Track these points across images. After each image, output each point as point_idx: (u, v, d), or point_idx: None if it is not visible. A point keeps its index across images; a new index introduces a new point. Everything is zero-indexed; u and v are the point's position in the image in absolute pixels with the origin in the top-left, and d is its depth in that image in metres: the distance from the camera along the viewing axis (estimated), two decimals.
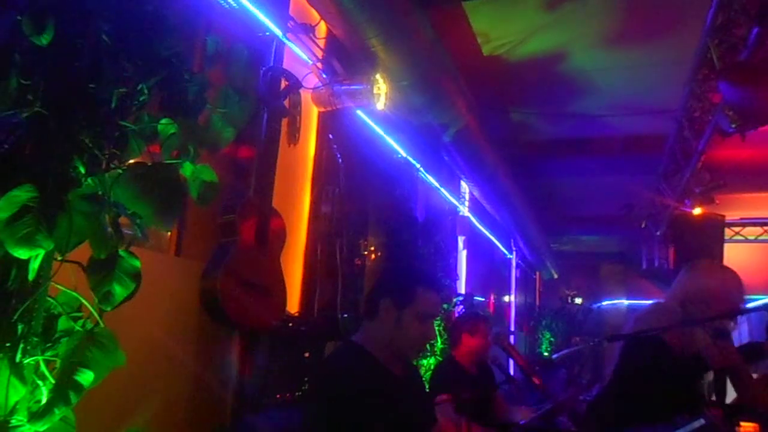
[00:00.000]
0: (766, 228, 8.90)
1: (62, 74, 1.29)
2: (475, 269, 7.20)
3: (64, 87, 1.29)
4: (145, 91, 1.44)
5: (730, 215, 7.56)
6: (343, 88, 3.54)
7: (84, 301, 1.32)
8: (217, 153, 1.96)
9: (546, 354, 10.39)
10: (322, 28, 3.47)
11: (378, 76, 3.55)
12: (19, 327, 1.21)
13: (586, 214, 10.36)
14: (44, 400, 1.21)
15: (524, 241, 9.39)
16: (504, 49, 5.01)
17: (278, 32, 3.06)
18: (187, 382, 2.54)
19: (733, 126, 3.97)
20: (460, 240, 6.76)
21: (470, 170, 5.77)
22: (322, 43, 3.54)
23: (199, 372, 2.59)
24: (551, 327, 11.41)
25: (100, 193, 1.31)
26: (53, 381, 1.23)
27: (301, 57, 3.41)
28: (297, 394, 3.03)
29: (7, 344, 1.19)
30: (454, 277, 5.92)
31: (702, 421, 1.74)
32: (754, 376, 2.57)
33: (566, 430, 3.64)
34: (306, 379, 3.12)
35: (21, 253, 1.14)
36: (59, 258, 1.26)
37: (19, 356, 1.20)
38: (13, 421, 1.16)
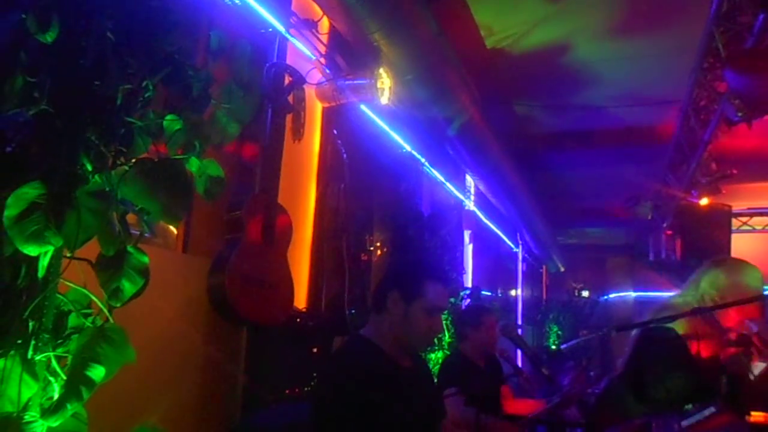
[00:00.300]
0: None
1: (67, 72, 1.30)
2: (482, 263, 7.20)
3: (69, 85, 1.29)
4: (150, 88, 1.44)
5: (737, 205, 7.53)
6: (346, 83, 3.53)
7: (94, 298, 1.33)
8: (223, 150, 1.97)
9: (554, 347, 10.38)
10: (324, 24, 3.46)
11: (381, 71, 3.55)
12: (30, 324, 1.22)
13: (592, 206, 10.34)
14: (56, 396, 1.22)
15: (530, 235, 9.37)
16: (507, 42, 4.99)
17: (281, 28, 3.05)
18: (197, 378, 2.55)
19: (740, 115, 3.95)
20: (466, 234, 6.75)
21: (475, 164, 5.76)
22: (325, 38, 3.54)
23: (208, 368, 2.60)
24: (558, 320, 11.39)
25: (107, 189, 1.32)
26: (65, 377, 1.24)
27: (304, 53, 3.41)
28: (305, 389, 3.04)
29: (19, 341, 1.20)
30: (461, 271, 5.92)
31: (712, 410, 1.74)
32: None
33: (575, 422, 3.64)
34: (314, 374, 3.13)
35: (30, 250, 1.15)
36: (68, 255, 1.27)
37: (30, 353, 1.21)
38: (27, 417, 1.17)
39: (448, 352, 4.59)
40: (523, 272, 10.56)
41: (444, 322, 4.76)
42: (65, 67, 1.28)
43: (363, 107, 4.06)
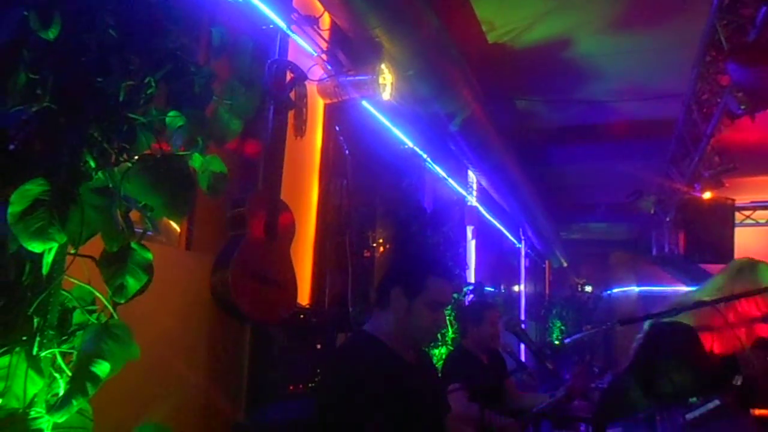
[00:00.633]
0: None
1: (70, 69, 1.30)
2: (485, 259, 7.20)
3: (72, 81, 1.29)
4: (153, 84, 1.44)
5: (740, 199, 7.51)
6: (348, 79, 3.53)
7: (98, 294, 1.33)
8: (225, 147, 1.96)
9: (557, 342, 10.38)
10: (326, 20, 3.46)
11: (383, 67, 3.54)
12: (35, 320, 1.22)
13: (595, 201, 10.32)
14: (61, 392, 1.22)
15: (533, 230, 9.37)
16: (509, 37, 4.98)
17: (282, 24, 3.05)
18: (201, 374, 2.56)
19: (743, 107, 3.94)
20: (469, 230, 6.75)
21: (477, 159, 5.75)
22: (326, 34, 3.53)
23: (212, 365, 2.61)
24: (561, 315, 11.40)
25: (110, 186, 1.32)
26: (70, 373, 1.24)
27: (305, 49, 3.41)
28: (309, 385, 3.05)
29: (24, 337, 1.20)
30: (464, 267, 5.92)
31: (717, 402, 1.73)
32: None
33: (579, 417, 3.64)
34: (318, 370, 3.13)
35: (35, 247, 1.15)
36: (72, 251, 1.27)
37: (35, 349, 1.22)
38: (32, 413, 1.17)
39: (451, 348, 4.59)
40: (525, 268, 10.56)
41: (447, 318, 4.78)
42: (68, 63, 1.28)
43: (365, 103, 4.06)
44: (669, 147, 6.36)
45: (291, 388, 2.98)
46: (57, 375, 1.25)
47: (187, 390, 2.47)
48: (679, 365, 2.18)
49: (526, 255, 10.62)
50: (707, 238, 6.54)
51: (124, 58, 1.37)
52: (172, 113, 1.47)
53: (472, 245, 6.81)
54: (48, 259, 1.22)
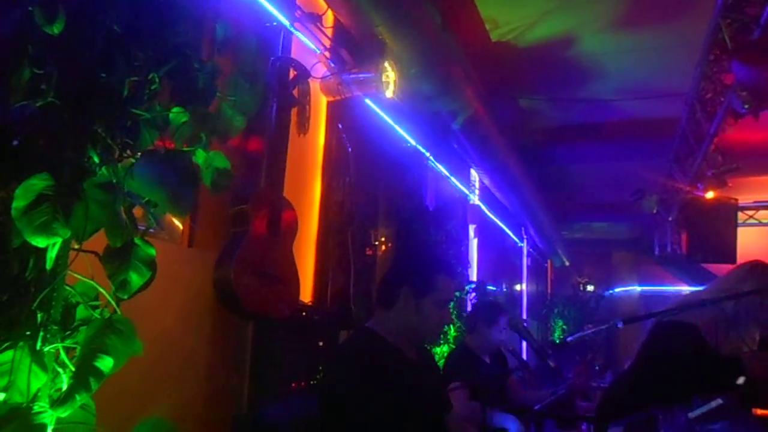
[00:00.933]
0: None
1: (74, 64, 1.30)
2: (487, 257, 7.19)
3: (76, 77, 1.30)
4: (157, 80, 1.44)
5: (743, 199, 7.50)
6: (351, 76, 3.53)
7: (101, 290, 1.33)
8: (228, 144, 1.96)
9: (558, 342, 10.37)
10: (329, 17, 3.46)
11: (386, 64, 3.54)
12: (39, 315, 1.22)
13: (597, 200, 10.30)
14: (65, 387, 1.23)
15: (535, 229, 9.35)
16: (512, 35, 4.97)
17: (286, 22, 3.05)
18: (203, 371, 2.56)
19: (746, 107, 3.93)
20: (471, 228, 6.74)
21: (480, 158, 5.75)
22: (329, 32, 3.53)
23: (214, 361, 2.62)
24: (563, 315, 11.38)
25: (114, 182, 1.32)
26: (73, 369, 1.24)
27: (308, 46, 3.41)
28: (311, 382, 3.05)
29: (27, 332, 1.21)
30: (466, 265, 5.92)
31: (719, 401, 1.73)
32: None
33: (581, 416, 3.64)
34: (320, 367, 3.13)
35: (38, 242, 1.15)
36: (76, 247, 1.27)
37: (39, 344, 1.22)
38: (36, 408, 1.18)
39: (453, 346, 4.59)
40: (527, 267, 10.55)
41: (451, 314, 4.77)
42: (72, 59, 1.28)
43: (367, 101, 4.06)
44: (672, 146, 6.34)
45: (293, 385, 2.98)
46: (60, 370, 1.26)
47: (189, 386, 2.47)
48: (682, 364, 2.17)
49: (528, 254, 10.61)
50: (710, 238, 6.53)
51: (129, 53, 1.37)
52: (175, 109, 1.47)
53: (474, 244, 6.80)
54: (52, 254, 1.22)
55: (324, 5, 3.34)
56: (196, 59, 1.56)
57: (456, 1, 4.41)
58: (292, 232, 2.84)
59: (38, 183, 1.16)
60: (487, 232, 7.43)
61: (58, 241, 1.20)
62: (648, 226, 9.40)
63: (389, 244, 4.39)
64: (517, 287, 10.16)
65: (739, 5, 3.75)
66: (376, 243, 4.19)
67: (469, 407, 2.73)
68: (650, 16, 4.66)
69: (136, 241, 1.34)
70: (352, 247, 3.62)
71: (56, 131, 1.26)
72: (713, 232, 6.50)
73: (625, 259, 13.41)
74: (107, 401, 1.38)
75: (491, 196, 7.30)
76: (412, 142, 4.84)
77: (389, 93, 3.59)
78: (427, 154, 5.16)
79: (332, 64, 3.58)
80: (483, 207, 7.18)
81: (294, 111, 3.02)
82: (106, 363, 1.21)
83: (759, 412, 2.26)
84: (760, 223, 8.79)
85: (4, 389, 1.17)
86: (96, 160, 1.31)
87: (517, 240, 9.92)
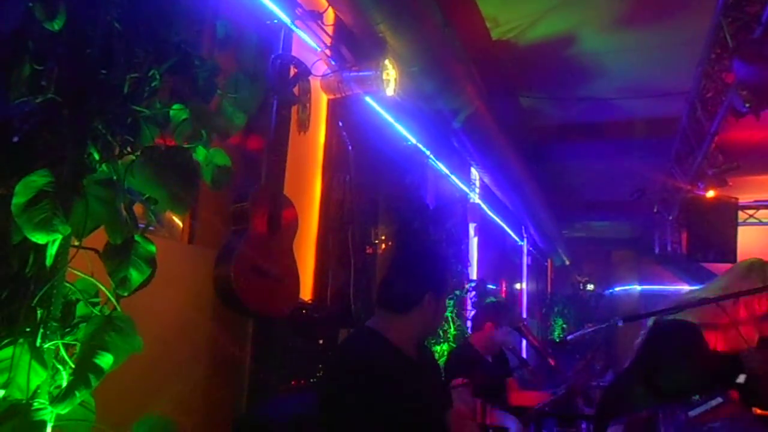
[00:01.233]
0: None
1: (74, 60, 1.29)
2: (487, 256, 7.19)
3: (76, 73, 1.29)
4: (157, 77, 1.44)
5: (744, 198, 7.49)
6: (351, 74, 3.52)
7: (101, 287, 1.33)
8: (228, 142, 1.96)
9: (557, 340, 10.37)
10: (330, 15, 3.45)
11: (387, 62, 3.53)
12: (39, 312, 1.22)
13: (598, 199, 10.30)
14: (65, 384, 1.23)
15: (535, 228, 9.35)
16: (513, 33, 4.97)
17: (286, 20, 3.04)
18: (203, 368, 2.56)
19: (747, 105, 3.92)
20: (471, 227, 6.74)
21: (480, 156, 5.74)
22: (330, 29, 3.52)
23: (214, 359, 2.61)
24: (563, 313, 11.39)
25: (114, 178, 1.32)
26: (73, 365, 1.24)
27: (309, 44, 3.40)
28: (311, 380, 3.05)
29: (27, 329, 1.21)
30: (466, 264, 5.92)
31: (719, 400, 1.73)
32: None
33: (581, 414, 3.65)
34: (320, 365, 3.14)
35: (39, 238, 1.15)
36: (76, 243, 1.27)
37: (39, 341, 1.22)
38: (35, 404, 1.18)
39: (453, 344, 4.60)
40: (527, 265, 10.55)
41: (449, 314, 4.78)
42: (72, 55, 1.28)
43: (368, 99, 4.05)
44: (673, 145, 6.34)
45: (293, 382, 2.98)
46: (60, 367, 1.26)
47: (189, 384, 2.47)
48: (682, 363, 2.17)
49: (528, 253, 10.61)
50: (710, 237, 6.53)
51: (129, 50, 1.37)
52: (176, 106, 1.47)
53: (474, 242, 6.80)
54: (52, 251, 1.22)
55: (325, 3, 3.33)
56: (197, 56, 1.56)
57: None
58: (292, 230, 2.84)
59: (38, 179, 1.16)
60: (487, 230, 7.42)
61: (58, 237, 1.20)
62: (648, 225, 9.40)
63: (389, 243, 4.38)
64: (517, 286, 10.16)
65: (740, 4, 3.75)
66: (376, 241, 4.19)
67: (470, 404, 2.74)
68: (651, 14, 4.66)
69: (136, 238, 1.34)
70: (353, 246, 3.62)
71: (56, 128, 1.26)
72: (713, 231, 6.50)
73: (625, 258, 13.40)
74: (107, 399, 1.38)
75: (492, 194, 7.30)
76: (413, 140, 4.84)
77: (390, 91, 3.59)
78: (428, 153, 5.16)
79: (333, 62, 3.57)
80: (483, 205, 7.17)
81: (294, 109, 3.01)
82: (105, 360, 1.21)
83: (759, 411, 2.26)
84: (761, 223, 8.78)
85: (4, 386, 1.17)
86: (96, 156, 1.31)
87: (517, 239, 9.92)
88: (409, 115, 4.60)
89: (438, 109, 4.49)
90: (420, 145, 4.96)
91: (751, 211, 8.62)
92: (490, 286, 6.92)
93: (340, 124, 3.72)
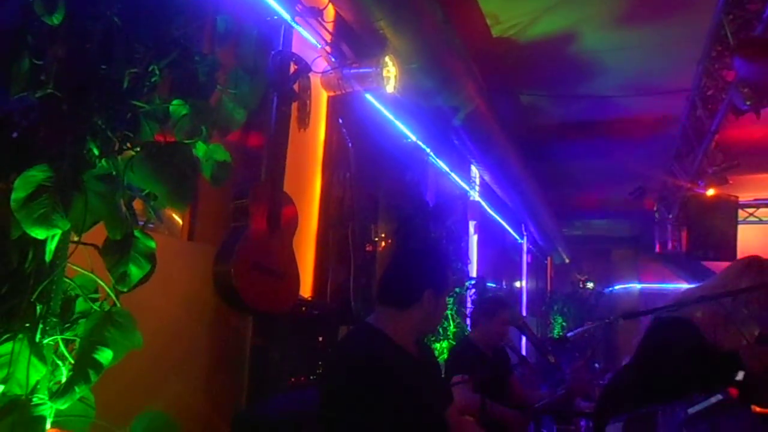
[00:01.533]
0: None
1: (74, 55, 1.29)
2: (486, 254, 7.19)
3: (76, 68, 1.29)
4: (157, 72, 1.43)
5: (744, 196, 7.49)
6: (352, 71, 3.51)
7: (101, 282, 1.33)
8: (228, 139, 1.96)
9: (557, 337, 10.37)
10: (330, 12, 3.44)
11: (387, 59, 3.53)
12: (38, 307, 1.22)
13: (598, 197, 10.30)
14: (64, 380, 1.22)
15: (535, 226, 9.35)
16: (514, 31, 4.96)
17: (286, 16, 3.04)
18: (203, 365, 2.56)
19: (748, 103, 3.92)
20: (471, 225, 6.74)
21: (480, 154, 5.74)
22: (330, 26, 3.52)
23: (214, 355, 2.61)
24: (563, 311, 11.38)
25: (114, 174, 1.32)
26: (73, 361, 1.24)
27: (309, 41, 3.39)
28: (311, 377, 3.05)
29: (27, 324, 1.20)
30: (466, 262, 5.91)
31: (719, 397, 1.73)
32: None
33: (580, 412, 3.65)
34: (320, 362, 3.13)
35: (38, 233, 1.15)
36: (75, 239, 1.27)
37: (38, 336, 1.22)
38: (35, 400, 1.17)
39: (453, 342, 4.60)
40: (527, 263, 10.55)
41: (449, 312, 4.78)
42: (72, 50, 1.28)
43: (368, 96, 4.05)
44: (673, 143, 6.34)
45: (293, 379, 2.98)
46: (59, 362, 1.25)
47: (188, 380, 2.47)
48: (681, 360, 2.17)
49: (528, 251, 10.61)
50: (710, 236, 6.53)
51: (129, 45, 1.37)
52: (176, 102, 1.47)
53: (474, 240, 6.80)
54: (51, 246, 1.22)
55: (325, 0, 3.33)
56: (197, 52, 1.56)
57: None
58: (292, 227, 2.83)
59: (38, 174, 1.16)
60: (487, 228, 7.42)
61: (58, 232, 1.20)
62: (648, 223, 9.40)
63: (389, 240, 4.38)
64: (517, 284, 10.16)
65: (741, 1, 3.75)
66: (376, 239, 4.19)
67: (470, 400, 2.74)
68: (652, 12, 4.65)
69: (136, 233, 1.34)
70: (352, 243, 3.61)
71: (56, 123, 1.26)
72: (713, 230, 6.50)
73: (625, 256, 13.41)
74: (107, 395, 1.38)
75: (491, 192, 7.30)
76: (413, 137, 4.83)
77: (390, 88, 3.58)
78: (428, 150, 5.15)
79: (333, 59, 3.57)
80: (483, 203, 7.17)
81: (294, 106, 3.00)
82: (105, 355, 1.21)
83: (757, 409, 2.26)
84: (761, 221, 8.79)
85: (3, 381, 1.17)
86: (96, 152, 1.31)
87: (517, 237, 9.92)
88: (409, 113, 4.60)
89: (438, 107, 4.49)
90: (420, 143, 4.96)
91: (751, 210, 8.63)
92: (490, 284, 6.92)
93: (340, 121, 3.72)
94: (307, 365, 3.07)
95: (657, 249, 8.84)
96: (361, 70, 3.51)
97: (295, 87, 2.97)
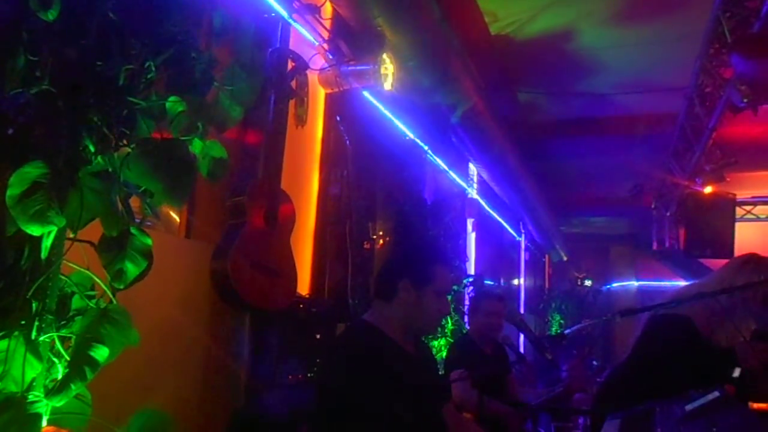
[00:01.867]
0: None
1: (69, 51, 1.28)
2: (484, 252, 7.19)
3: (71, 64, 1.28)
4: (153, 69, 1.43)
5: (742, 194, 7.49)
6: (349, 68, 3.51)
7: (97, 279, 1.32)
8: (225, 136, 1.95)
9: (555, 334, 10.38)
10: (327, 9, 3.44)
11: (385, 56, 3.52)
12: (34, 304, 1.22)
13: (596, 194, 10.30)
14: (60, 377, 1.22)
15: (533, 224, 9.36)
16: (512, 28, 4.96)
17: (284, 13, 3.03)
18: (200, 363, 2.56)
19: (745, 100, 3.92)
20: (469, 222, 6.74)
21: (478, 152, 5.74)
22: (328, 23, 3.51)
23: (211, 353, 2.61)
24: (561, 309, 11.39)
25: (110, 171, 1.31)
26: (68, 358, 1.24)
27: (307, 38, 3.39)
28: (308, 374, 3.05)
29: (22, 321, 1.20)
30: (464, 259, 5.91)
31: (717, 394, 1.73)
32: None
33: (578, 409, 3.65)
34: (317, 360, 3.13)
35: (33, 230, 1.14)
36: (71, 236, 1.27)
37: (34, 333, 1.21)
38: (30, 397, 1.17)
39: (450, 340, 4.60)
40: (525, 261, 10.56)
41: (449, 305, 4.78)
42: (67, 46, 1.27)
43: (366, 94, 4.04)
44: (671, 141, 6.34)
45: (290, 377, 2.98)
46: (55, 359, 1.25)
47: (186, 377, 2.47)
48: (678, 357, 2.18)
49: (526, 248, 10.61)
50: (708, 233, 6.54)
51: (124, 41, 1.36)
52: (172, 98, 1.46)
53: (472, 238, 6.80)
54: (47, 243, 1.21)
55: None
56: (193, 48, 1.55)
57: None
58: (290, 225, 2.83)
59: (33, 171, 1.15)
60: (485, 226, 7.42)
61: (53, 229, 1.20)
62: (646, 221, 9.40)
63: (387, 238, 4.38)
64: (515, 282, 10.17)
65: None
66: (374, 236, 4.18)
67: (468, 396, 2.74)
68: (649, 9, 4.65)
69: (132, 230, 1.33)
70: (350, 240, 3.61)
71: (51, 119, 1.25)
72: (711, 227, 6.51)
73: (623, 254, 13.42)
74: (104, 392, 1.38)
75: (489, 190, 7.30)
76: (411, 135, 4.83)
77: (388, 85, 3.58)
78: (426, 148, 5.15)
79: (330, 56, 3.56)
80: (481, 201, 7.17)
81: (292, 103, 3.00)
82: (101, 353, 1.21)
83: (756, 406, 2.26)
84: (758, 219, 8.80)
85: None
86: (92, 148, 1.30)
87: (515, 234, 9.93)
88: (406, 110, 4.59)
89: (436, 104, 4.49)
90: (418, 140, 4.95)
91: (748, 207, 8.64)
92: (488, 282, 6.93)
93: (338, 118, 3.71)
94: (305, 362, 3.06)
95: (655, 246, 8.84)
96: (359, 68, 3.51)
97: (293, 84, 2.96)
